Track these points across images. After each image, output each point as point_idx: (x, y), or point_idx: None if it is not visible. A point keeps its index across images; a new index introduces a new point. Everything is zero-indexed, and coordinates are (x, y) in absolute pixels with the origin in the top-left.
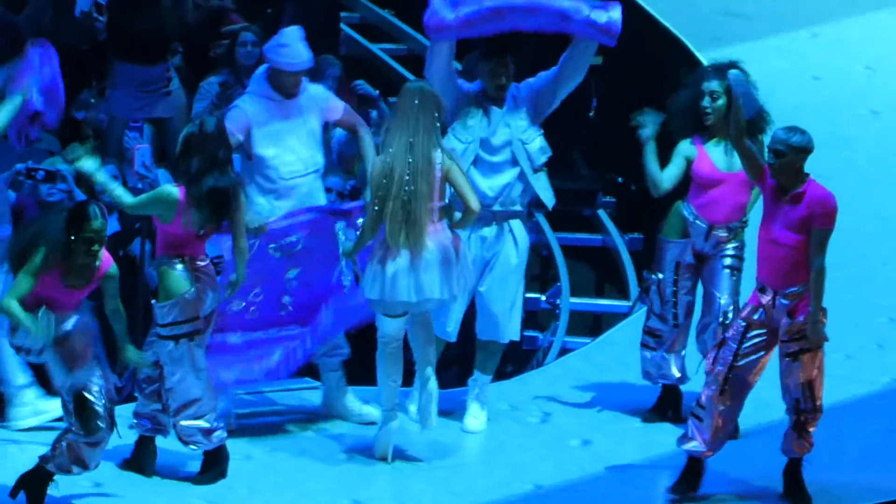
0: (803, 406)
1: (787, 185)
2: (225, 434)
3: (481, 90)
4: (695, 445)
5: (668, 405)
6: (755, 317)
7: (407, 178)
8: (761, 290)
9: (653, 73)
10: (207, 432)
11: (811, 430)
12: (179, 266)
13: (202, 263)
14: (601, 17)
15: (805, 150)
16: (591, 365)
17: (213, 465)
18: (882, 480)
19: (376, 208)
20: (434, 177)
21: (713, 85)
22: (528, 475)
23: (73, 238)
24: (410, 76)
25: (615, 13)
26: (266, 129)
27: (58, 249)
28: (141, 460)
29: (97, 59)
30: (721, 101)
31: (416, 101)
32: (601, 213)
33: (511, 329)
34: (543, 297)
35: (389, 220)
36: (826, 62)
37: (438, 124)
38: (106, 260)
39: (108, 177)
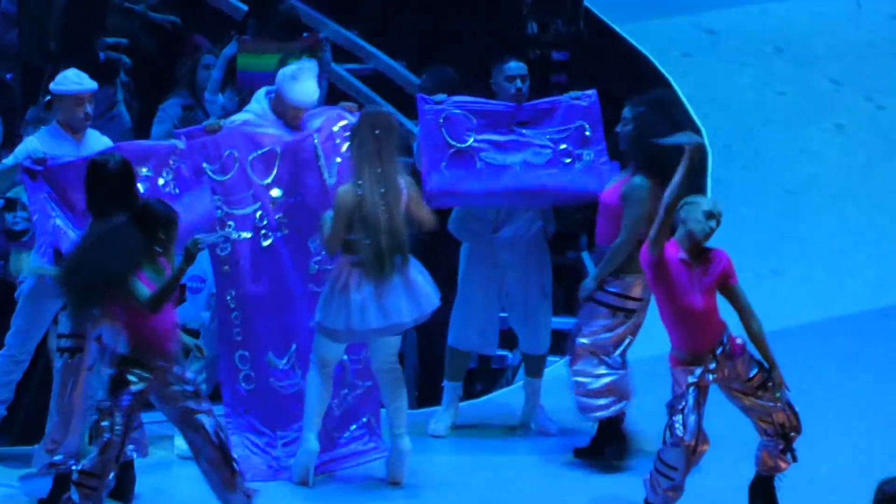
0: (788, 426)
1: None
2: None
3: None
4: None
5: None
6: (707, 378)
7: (382, 208)
8: (693, 361)
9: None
10: None
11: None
12: None
13: None
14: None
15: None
16: (561, 382)
17: None
18: None
19: (343, 236)
20: (403, 204)
21: (625, 111)
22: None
23: (153, 239)
24: (376, 96)
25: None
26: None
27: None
28: (122, 487)
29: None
30: (628, 128)
31: (377, 132)
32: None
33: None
34: None
35: (366, 251)
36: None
37: (399, 147)
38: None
39: None
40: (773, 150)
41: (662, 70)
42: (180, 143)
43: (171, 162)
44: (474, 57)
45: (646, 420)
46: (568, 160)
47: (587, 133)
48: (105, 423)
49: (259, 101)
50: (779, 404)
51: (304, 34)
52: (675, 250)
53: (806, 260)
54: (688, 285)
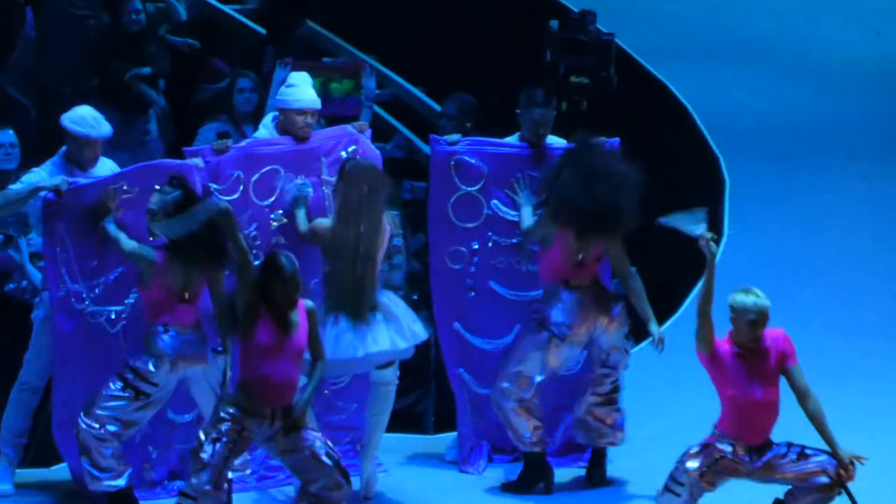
0: (846, 476)
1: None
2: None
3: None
4: None
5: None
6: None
7: (362, 250)
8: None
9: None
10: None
11: None
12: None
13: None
14: None
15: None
16: None
17: None
18: None
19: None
20: (383, 242)
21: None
22: None
23: (272, 284)
24: (394, 121)
25: None
26: None
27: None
28: None
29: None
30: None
31: (365, 188)
32: None
33: None
34: None
35: (340, 288)
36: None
37: (385, 198)
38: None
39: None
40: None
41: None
42: (200, 163)
43: (194, 184)
44: (496, 84)
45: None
46: None
47: None
48: (205, 449)
49: (266, 127)
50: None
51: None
52: (728, 346)
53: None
54: (746, 377)
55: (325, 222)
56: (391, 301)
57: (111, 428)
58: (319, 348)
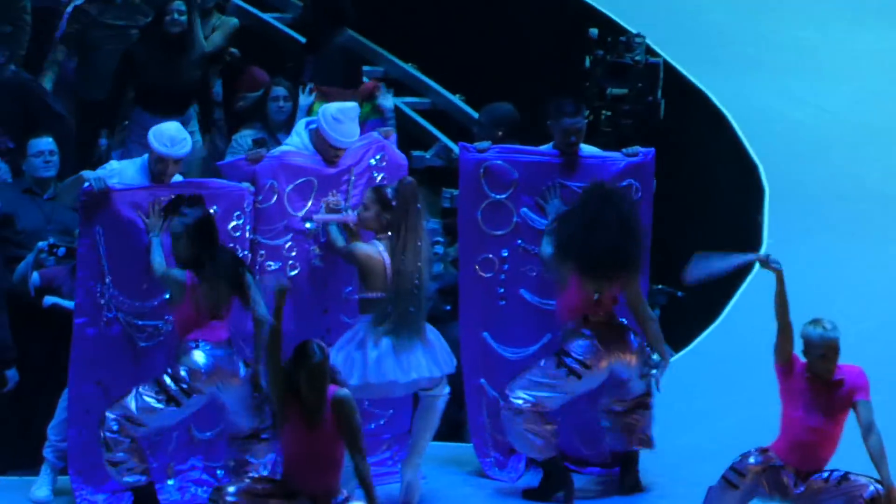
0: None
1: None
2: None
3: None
4: None
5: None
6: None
7: (416, 282)
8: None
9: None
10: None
11: None
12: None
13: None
14: None
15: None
16: None
17: None
18: None
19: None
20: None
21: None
22: None
23: (297, 373)
24: (434, 129)
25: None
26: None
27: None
28: None
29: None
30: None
31: (419, 206)
32: None
33: None
34: None
35: (395, 313)
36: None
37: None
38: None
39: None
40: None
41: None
42: (251, 187)
43: (245, 206)
44: (536, 92)
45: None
46: None
47: (637, 192)
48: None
49: (299, 134)
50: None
51: (364, 78)
52: (804, 368)
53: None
54: (812, 403)
55: (365, 248)
56: (427, 329)
57: (133, 429)
58: (357, 441)
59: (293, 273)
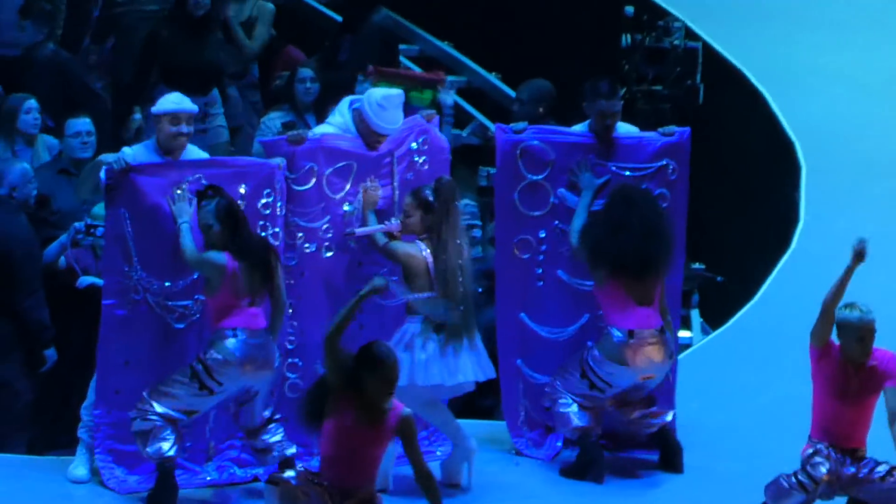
0: None
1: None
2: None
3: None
4: None
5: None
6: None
7: (460, 279)
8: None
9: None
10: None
11: None
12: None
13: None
14: None
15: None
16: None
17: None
18: None
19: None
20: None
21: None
22: None
23: (366, 377)
24: (470, 108)
25: None
26: None
27: (348, 389)
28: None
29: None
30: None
31: (456, 203)
32: (694, 313)
33: None
34: None
35: (448, 315)
36: None
37: None
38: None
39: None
40: None
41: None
42: (282, 162)
43: (275, 184)
44: (573, 69)
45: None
46: None
47: (672, 173)
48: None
49: (342, 115)
50: None
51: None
52: (838, 353)
53: None
54: (843, 387)
55: (406, 247)
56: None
57: (168, 410)
58: (422, 457)
59: (328, 255)
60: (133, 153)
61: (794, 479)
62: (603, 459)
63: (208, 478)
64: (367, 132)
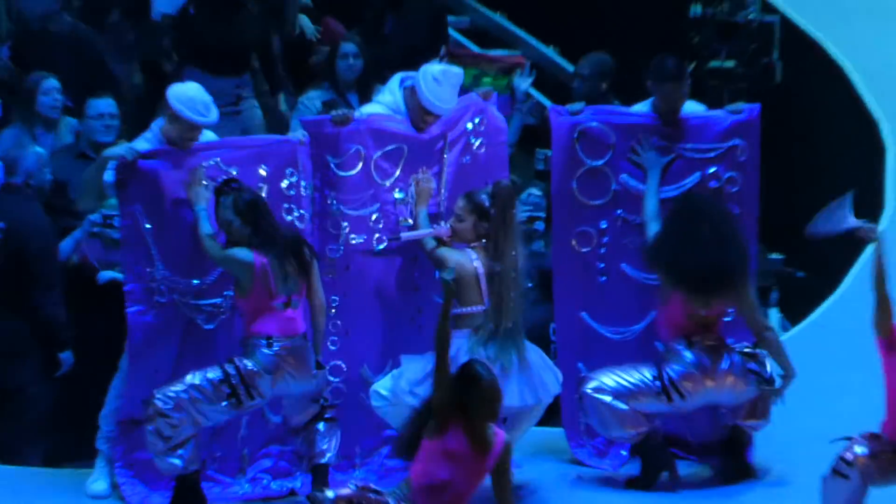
0: None
1: None
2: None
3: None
4: None
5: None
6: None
7: (513, 294)
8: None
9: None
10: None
11: None
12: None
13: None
14: None
15: None
16: None
17: None
18: None
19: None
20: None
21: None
22: None
23: (467, 399)
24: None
25: None
26: None
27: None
28: None
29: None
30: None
31: (514, 210)
32: (773, 312)
33: None
34: None
35: (499, 334)
36: None
37: None
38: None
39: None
40: None
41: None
42: (302, 137)
43: (299, 162)
44: (635, 43)
45: None
46: (716, 185)
47: (742, 153)
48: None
49: (392, 93)
50: None
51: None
52: None
53: None
54: None
55: (456, 256)
56: (530, 348)
57: (182, 416)
58: (507, 486)
59: (380, 247)
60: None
61: (831, 471)
62: (673, 465)
63: (241, 491)
64: (417, 111)
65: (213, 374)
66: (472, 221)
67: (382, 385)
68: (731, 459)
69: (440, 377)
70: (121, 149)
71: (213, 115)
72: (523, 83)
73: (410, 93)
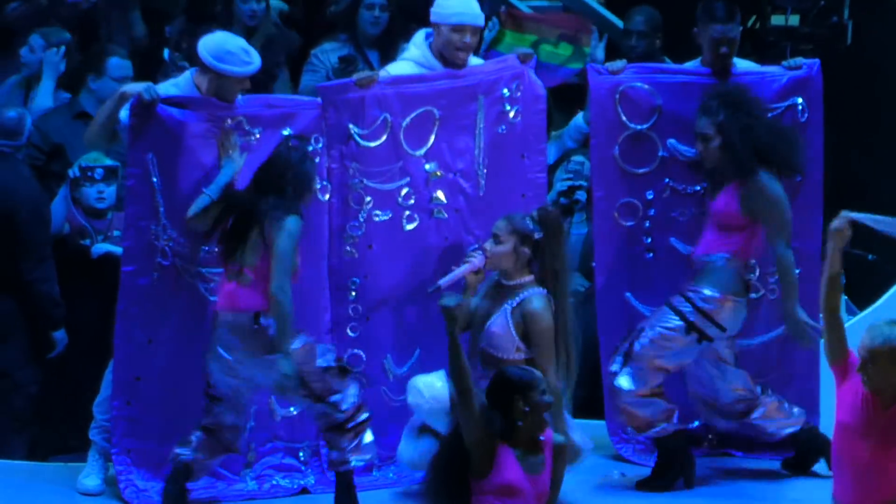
0: None
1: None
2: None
3: None
4: None
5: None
6: None
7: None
8: None
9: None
10: None
11: None
12: None
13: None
14: None
15: None
16: None
17: None
18: None
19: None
20: None
21: (700, 126)
22: None
23: (522, 408)
24: None
25: None
26: None
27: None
28: None
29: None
30: (716, 143)
31: (564, 236)
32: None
33: None
34: None
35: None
36: None
37: None
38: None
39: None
40: None
41: None
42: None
43: (322, 125)
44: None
45: None
46: None
47: (802, 113)
48: None
49: (419, 47)
50: None
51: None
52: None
53: None
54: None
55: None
56: None
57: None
58: (556, 488)
59: (410, 226)
60: (163, 93)
61: None
62: (691, 462)
63: (246, 488)
64: (444, 43)
65: None
66: (511, 244)
67: (426, 381)
68: (796, 455)
69: (467, 418)
70: (140, 86)
71: (256, 58)
72: (599, 50)
73: (436, 39)
